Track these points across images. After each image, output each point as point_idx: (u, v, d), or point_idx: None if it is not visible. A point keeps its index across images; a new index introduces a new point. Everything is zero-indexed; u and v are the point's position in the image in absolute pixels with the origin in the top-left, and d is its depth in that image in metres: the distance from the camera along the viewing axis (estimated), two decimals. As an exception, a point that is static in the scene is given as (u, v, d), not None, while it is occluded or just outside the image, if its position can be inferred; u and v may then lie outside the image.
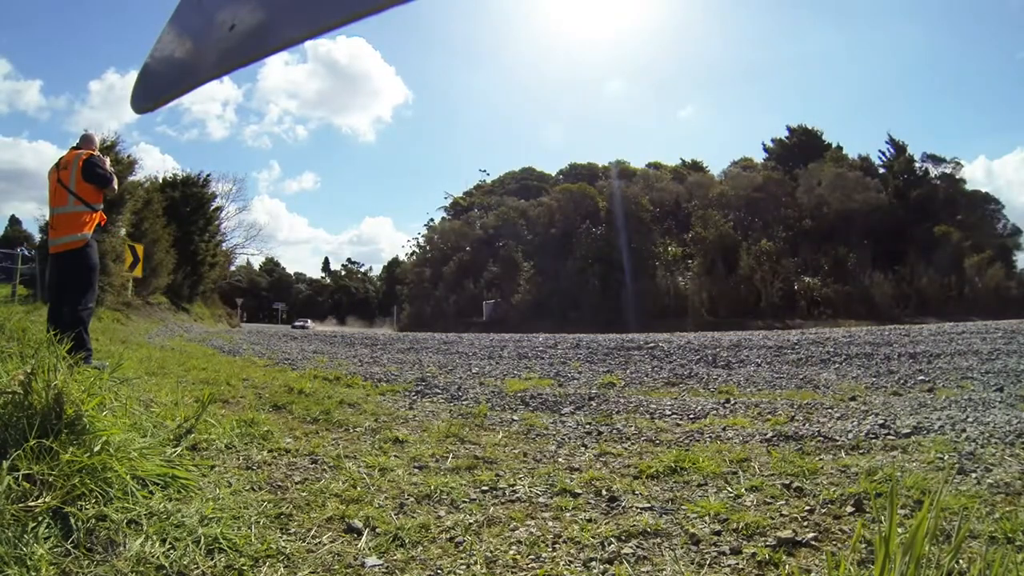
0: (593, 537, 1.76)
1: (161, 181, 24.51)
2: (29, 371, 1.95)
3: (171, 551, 1.56)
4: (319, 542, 1.71)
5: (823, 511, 1.94)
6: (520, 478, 2.37)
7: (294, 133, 60.06)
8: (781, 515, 1.92)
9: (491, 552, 1.67)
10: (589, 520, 1.91)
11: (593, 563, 1.61)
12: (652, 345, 7.07)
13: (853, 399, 4.00)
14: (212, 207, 27.95)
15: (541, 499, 2.12)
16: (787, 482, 2.24)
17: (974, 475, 2.22)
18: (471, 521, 1.89)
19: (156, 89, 0.98)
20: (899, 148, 30.88)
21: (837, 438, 2.93)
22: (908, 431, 2.98)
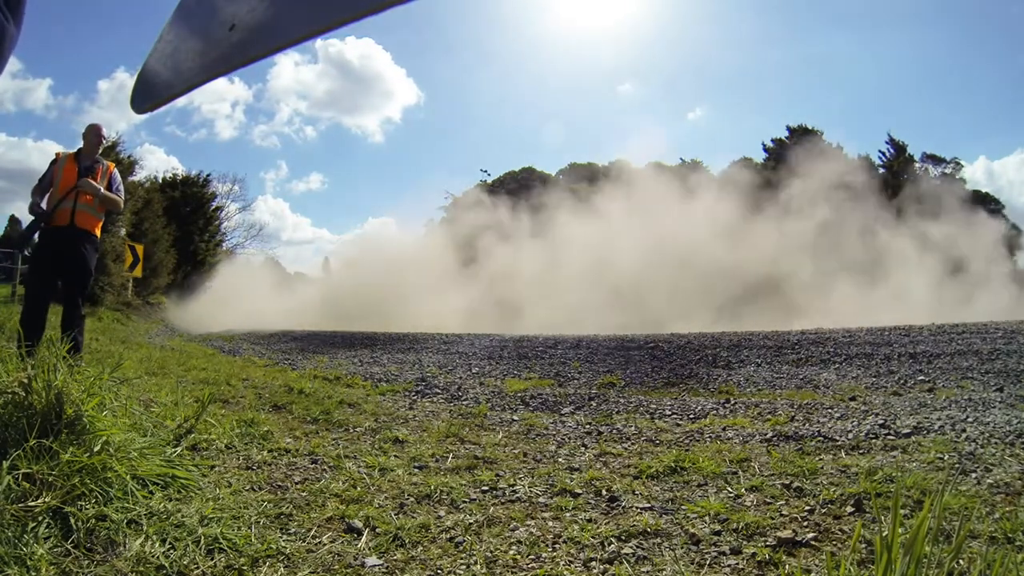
0: (593, 537, 1.76)
1: (161, 181, 24.55)
2: (29, 371, 1.95)
3: (171, 551, 1.56)
4: (319, 542, 1.71)
5: (823, 511, 1.94)
6: (520, 478, 2.37)
7: (303, 134, 59.79)
8: (781, 515, 1.92)
9: (491, 552, 1.67)
10: (589, 520, 1.91)
11: (593, 563, 1.61)
12: (652, 345, 7.07)
13: (853, 399, 4.00)
14: (212, 207, 27.96)
15: (541, 499, 2.12)
16: (787, 482, 2.24)
17: (974, 475, 2.22)
18: (471, 521, 1.89)
19: (156, 89, 0.98)
20: (899, 148, 30.89)
21: (837, 438, 2.93)
22: (908, 431, 2.98)
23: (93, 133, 4.40)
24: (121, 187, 4.44)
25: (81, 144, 4.42)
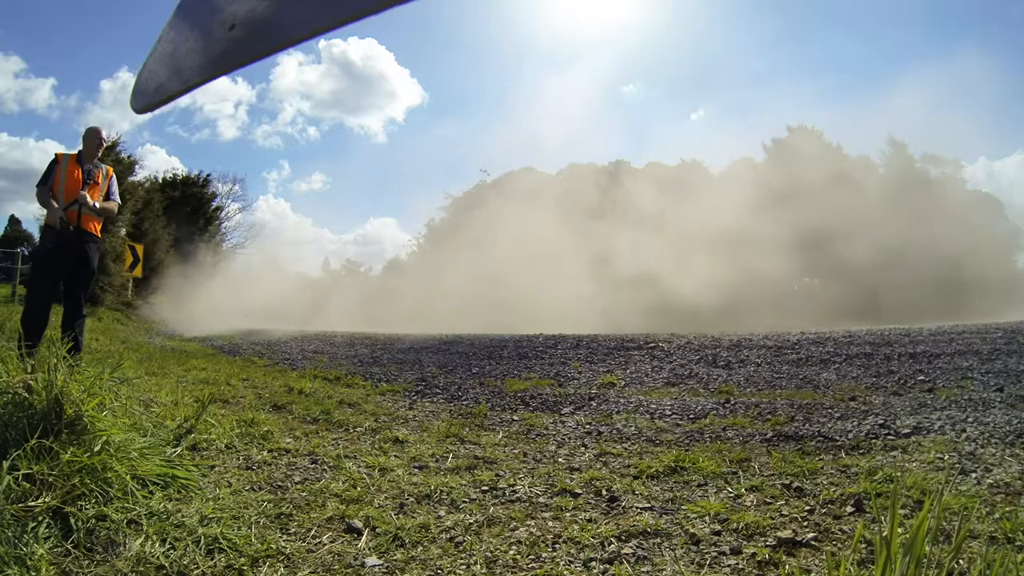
0: (593, 537, 1.76)
1: (161, 181, 24.54)
2: (30, 371, 1.95)
3: (171, 551, 1.56)
4: (319, 542, 1.71)
5: (823, 511, 1.94)
6: (520, 478, 2.37)
7: (306, 134, 59.59)
8: (781, 515, 1.92)
9: (491, 552, 1.67)
10: (589, 520, 1.91)
11: (593, 563, 1.61)
12: (652, 345, 7.07)
13: (853, 399, 4.00)
14: (212, 207, 27.96)
15: (541, 499, 2.12)
16: (787, 482, 2.24)
17: (974, 475, 2.22)
18: (471, 521, 1.89)
19: (155, 89, 0.98)
20: (899, 148, 30.88)
21: (837, 438, 2.93)
22: (908, 431, 2.98)
23: (94, 136, 4.40)
24: (116, 193, 4.49)
25: (81, 145, 4.42)
